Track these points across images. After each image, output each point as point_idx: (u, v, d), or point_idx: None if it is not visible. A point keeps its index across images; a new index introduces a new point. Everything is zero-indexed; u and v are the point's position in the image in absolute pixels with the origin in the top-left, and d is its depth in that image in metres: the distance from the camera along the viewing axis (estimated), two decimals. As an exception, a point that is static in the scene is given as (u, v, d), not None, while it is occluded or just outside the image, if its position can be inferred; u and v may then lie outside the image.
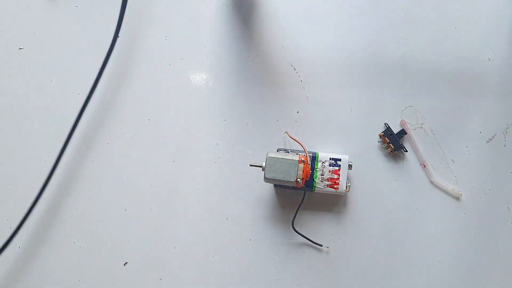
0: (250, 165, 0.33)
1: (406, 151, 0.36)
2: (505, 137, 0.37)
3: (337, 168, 0.34)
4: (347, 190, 0.34)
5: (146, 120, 0.37)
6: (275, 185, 0.35)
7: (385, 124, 0.37)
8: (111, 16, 0.37)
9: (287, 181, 0.31)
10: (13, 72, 0.37)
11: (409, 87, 0.37)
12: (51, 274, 0.35)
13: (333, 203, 0.36)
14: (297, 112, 0.37)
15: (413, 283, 0.35)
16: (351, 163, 0.34)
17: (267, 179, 0.32)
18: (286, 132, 0.35)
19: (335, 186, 0.33)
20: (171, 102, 0.37)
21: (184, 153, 0.37)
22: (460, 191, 0.36)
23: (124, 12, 0.36)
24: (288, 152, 0.33)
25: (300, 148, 0.34)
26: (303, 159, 0.32)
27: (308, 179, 0.32)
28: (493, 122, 0.37)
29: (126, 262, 0.35)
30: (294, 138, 0.34)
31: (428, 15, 0.38)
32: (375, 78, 0.37)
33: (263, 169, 0.32)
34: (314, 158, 0.34)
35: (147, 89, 0.37)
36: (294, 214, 0.34)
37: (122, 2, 0.36)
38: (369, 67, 0.37)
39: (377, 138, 0.37)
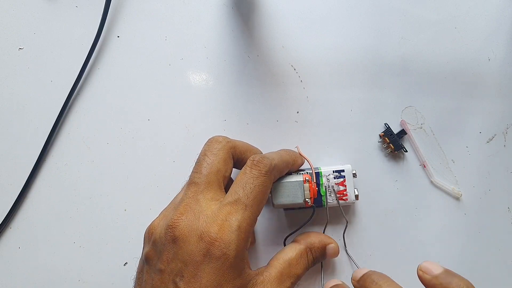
0: None
1: (406, 151, 0.36)
2: (505, 137, 0.37)
3: (342, 179, 0.33)
4: (357, 198, 0.33)
5: (146, 120, 0.37)
6: (285, 209, 0.35)
7: (385, 124, 0.37)
8: (111, 16, 0.37)
9: (296, 203, 0.31)
10: (13, 72, 0.37)
11: (409, 87, 0.37)
12: (51, 274, 0.35)
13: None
14: (297, 112, 0.37)
15: (413, 283, 0.35)
16: (355, 172, 0.34)
17: (276, 206, 0.32)
18: (297, 147, 0.35)
19: (344, 198, 0.33)
20: (171, 102, 0.37)
21: (184, 153, 0.37)
22: (460, 191, 0.36)
23: (107, 11, 0.36)
24: (291, 174, 0.33)
25: (302, 167, 0.34)
26: (307, 178, 0.32)
27: (316, 196, 0.32)
28: (493, 122, 0.37)
29: (126, 262, 0.35)
30: (304, 155, 0.34)
31: (428, 15, 0.38)
32: (375, 78, 0.37)
33: (270, 196, 0.32)
34: (317, 174, 0.33)
35: (147, 89, 0.37)
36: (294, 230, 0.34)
37: (106, 2, 0.36)
38: (369, 67, 0.37)
39: (377, 138, 0.37)
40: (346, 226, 0.35)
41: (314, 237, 0.32)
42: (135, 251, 0.35)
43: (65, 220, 0.36)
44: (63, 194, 0.36)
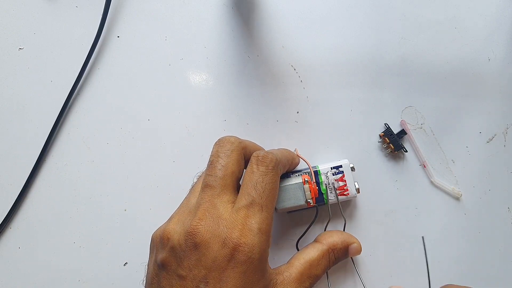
0: None
1: (406, 151, 0.36)
2: (505, 137, 0.37)
3: (341, 175, 0.33)
4: (358, 192, 0.33)
5: (146, 120, 0.37)
6: (288, 211, 0.35)
7: (385, 124, 0.37)
8: (111, 16, 0.37)
9: (299, 205, 0.31)
10: (13, 72, 0.37)
11: (409, 87, 0.37)
12: (51, 274, 0.35)
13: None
14: (297, 112, 0.37)
15: (413, 283, 0.35)
16: (352, 165, 0.34)
17: (279, 210, 0.32)
18: (295, 149, 0.35)
19: (345, 193, 0.33)
20: (171, 102, 0.37)
21: (184, 153, 0.37)
22: (460, 191, 0.36)
23: (107, 11, 0.36)
24: (290, 176, 0.33)
25: (300, 168, 0.34)
26: (306, 179, 0.32)
27: (317, 196, 0.32)
28: (493, 122, 0.37)
29: (126, 262, 0.35)
30: (301, 156, 0.34)
31: (428, 15, 0.38)
32: (375, 78, 0.37)
33: None
34: (316, 173, 0.33)
35: (147, 89, 0.37)
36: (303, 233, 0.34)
37: (106, 2, 0.36)
38: (369, 67, 0.37)
39: (377, 138, 0.37)
40: (345, 224, 0.35)
41: (337, 237, 0.32)
42: (135, 251, 0.35)
43: (65, 220, 0.36)
44: (63, 194, 0.36)
